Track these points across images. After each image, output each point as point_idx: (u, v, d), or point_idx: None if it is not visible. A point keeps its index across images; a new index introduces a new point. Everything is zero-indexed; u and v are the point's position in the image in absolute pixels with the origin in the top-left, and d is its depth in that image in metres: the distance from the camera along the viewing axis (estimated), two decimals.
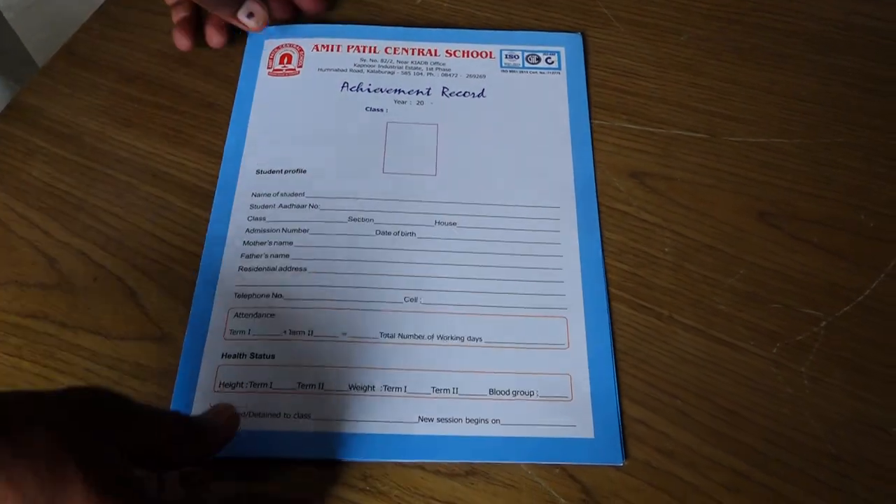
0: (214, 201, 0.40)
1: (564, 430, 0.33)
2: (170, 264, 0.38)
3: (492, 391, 0.34)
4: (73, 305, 0.37)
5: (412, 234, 0.38)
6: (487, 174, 0.40)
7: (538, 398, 0.34)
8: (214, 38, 0.45)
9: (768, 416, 0.33)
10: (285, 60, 0.44)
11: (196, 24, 0.45)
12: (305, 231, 0.38)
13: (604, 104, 0.43)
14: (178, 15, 0.45)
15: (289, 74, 0.44)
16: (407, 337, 0.35)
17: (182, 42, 0.45)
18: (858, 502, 0.31)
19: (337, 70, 0.44)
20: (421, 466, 0.33)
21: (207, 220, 0.39)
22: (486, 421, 0.33)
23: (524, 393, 0.34)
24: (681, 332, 0.36)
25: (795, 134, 0.42)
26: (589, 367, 0.34)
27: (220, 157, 0.41)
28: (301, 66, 0.44)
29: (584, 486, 0.32)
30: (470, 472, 0.33)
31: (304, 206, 0.39)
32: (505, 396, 0.34)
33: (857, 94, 0.43)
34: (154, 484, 0.29)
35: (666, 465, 0.33)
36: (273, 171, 0.40)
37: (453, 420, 0.33)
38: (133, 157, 0.42)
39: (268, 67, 0.44)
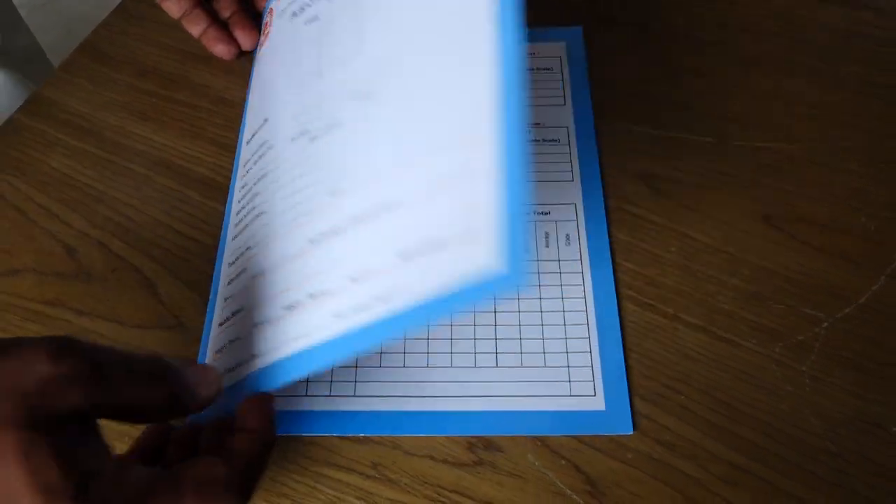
0: (229, 194, 0.40)
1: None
2: (186, 256, 0.39)
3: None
4: (91, 294, 0.38)
5: None
6: None
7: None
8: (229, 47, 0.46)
9: (769, 412, 0.34)
10: None
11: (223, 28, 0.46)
12: None
13: (612, 106, 0.44)
14: (198, 27, 0.45)
15: None
16: None
17: (223, 49, 0.45)
18: (858, 499, 0.32)
19: None
20: (430, 456, 0.34)
21: (223, 213, 0.40)
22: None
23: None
24: (685, 330, 0.36)
25: (799, 139, 0.43)
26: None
27: (234, 151, 0.42)
28: None
29: (588, 476, 0.33)
30: (477, 462, 0.34)
31: None
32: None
33: (858, 101, 0.44)
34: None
35: (667, 457, 0.33)
36: None
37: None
38: (150, 151, 0.43)
39: None
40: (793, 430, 0.34)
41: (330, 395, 0.35)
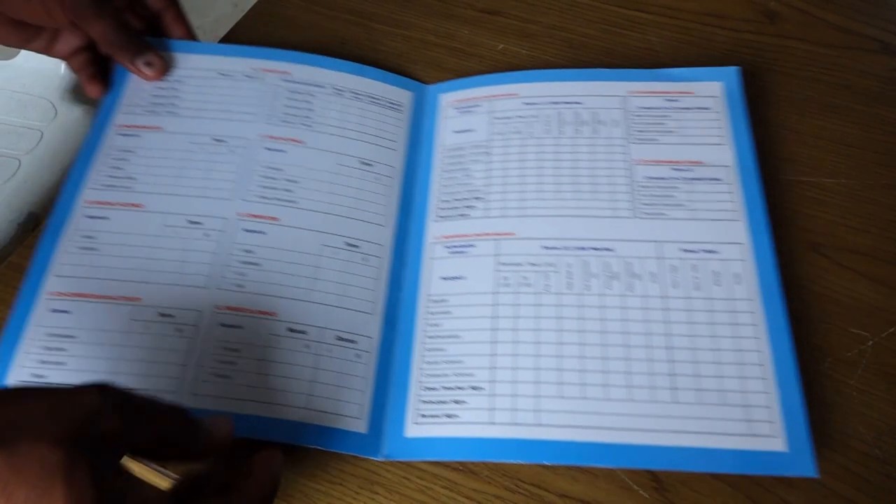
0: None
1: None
2: None
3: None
4: None
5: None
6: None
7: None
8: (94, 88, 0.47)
9: (820, 421, 0.37)
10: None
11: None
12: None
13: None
14: (79, 64, 0.47)
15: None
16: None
17: (94, 90, 0.47)
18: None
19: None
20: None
21: None
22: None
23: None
24: None
25: (842, 174, 0.46)
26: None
27: None
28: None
29: (654, 474, 0.36)
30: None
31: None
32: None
33: None
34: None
35: None
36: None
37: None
38: None
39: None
40: (842, 437, 0.37)
41: (515, 424, 0.36)
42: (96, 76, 0.47)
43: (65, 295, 0.39)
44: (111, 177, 0.43)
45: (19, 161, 0.56)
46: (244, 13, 0.58)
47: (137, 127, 0.45)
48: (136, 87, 0.47)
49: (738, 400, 0.36)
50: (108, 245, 0.41)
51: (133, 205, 0.42)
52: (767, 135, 0.48)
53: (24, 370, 0.37)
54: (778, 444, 0.35)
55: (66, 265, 0.40)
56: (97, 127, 0.46)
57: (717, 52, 0.53)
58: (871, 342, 0.40)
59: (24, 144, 0.57)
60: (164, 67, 0.47)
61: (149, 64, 0.46)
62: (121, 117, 0.46)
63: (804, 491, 0.36)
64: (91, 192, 0.43)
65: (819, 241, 0.43)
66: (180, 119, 0.46)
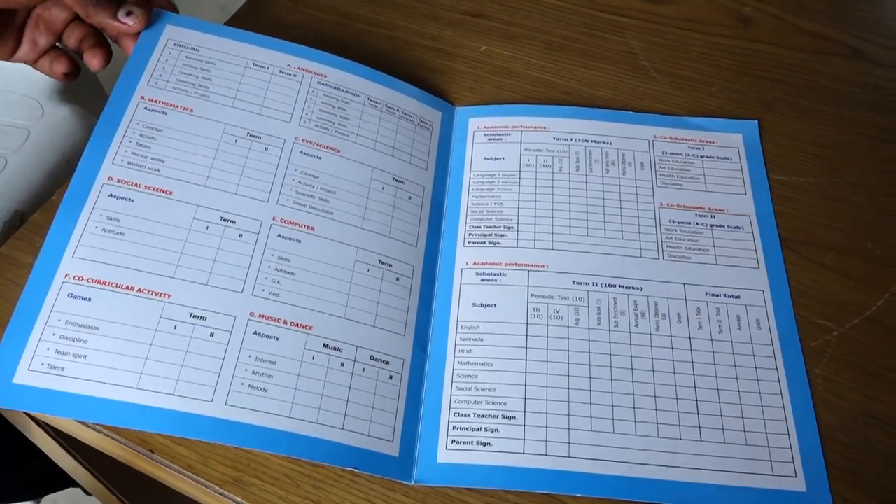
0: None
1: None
2: None
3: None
4: None
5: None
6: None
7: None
8: (95, 59, 0.44)
9: None
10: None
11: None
12: None
13: None
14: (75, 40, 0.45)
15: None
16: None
17: (97, 62, 0.44)
18: (864, 483, 0.37)
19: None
20: None
21: None
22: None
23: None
24: None
25: (811, 173, 0.49)
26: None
27: None
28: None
29: None
30: None
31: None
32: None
33: (865, 143, 0.50)
34: None
35: None
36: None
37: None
38: None
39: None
40: None
41: (546, 455, 0.37)
42: (95, 46, 0.44)
43: (85, 280, 0.37)
44: (136, 154, 0.41)
45: (6, 160, 0.55)
46: (231, 15, 0.57)
47: (165, 104, 0.43)
48: (163, 60, 0.44)
49: (760, 440, 0.38)
50: (134, 231, 0.38)
51: (161, 190, 0.40)
52: (758, 122, 0.50)
53: (39, 360, 0.35)
54: (797, 483, 0.37)
55: (87, 247, 0.38)
56: (120, 94, 0.43)
57: (693, 54, 0.55)
58: (836, 333, 0.42)
59: (11, 143, 0.55)
60: (146, 17, 0.44)
61: (129, 14, 0.43)
62: (147, 89, 0.43)
63: None
64: (115, 168, 0.40)
65: (788, 237, 0.46)
66: (211, 104, 0.44)
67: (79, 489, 0.84)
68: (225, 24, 0.54)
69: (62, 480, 0.78)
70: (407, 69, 0.53)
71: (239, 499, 0.36)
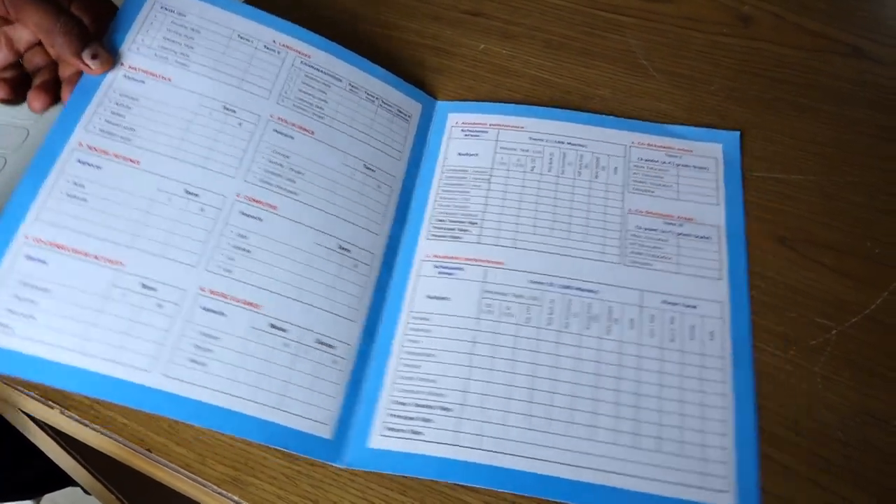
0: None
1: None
2: None
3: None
4: None
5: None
6: None
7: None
8: (37, 101, 0.42)
9: (785, 405, 0.39)
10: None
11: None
12: None
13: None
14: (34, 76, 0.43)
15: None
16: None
17: (39, 104, 0.42)
18: (863, 481, 0.37)
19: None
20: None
21: None
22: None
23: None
24: None
25: (810, 171, 0.48)
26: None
27: None
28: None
29: None
30: None
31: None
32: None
33: (864, 141, 0.49)
34: None
35: None
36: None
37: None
38: None
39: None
40: (807, 421, 0.39)
41: (477, 449, 0.37)
42: (46, 86, 0.42)
43: (43, 242, 0.37)
44: (110, 122, 0.41)
45: (5, 159, 0.55)
46: None
47: (145, 71, 0.43)
48: (149, 23, 0.44)
49: (695, 453, 0.37)
50: (97, 198, 0.39)
51: (129, 159, 0.41)
52: (743, 135, 0.50)
53: None
54: (727, 500, 0.36)
55: (49, 210, 0.38)
56: None
57: (692, 53, 0.55)
58: (835, 331, 0.41)
59: (11, 142, 0.56)
60: (110, 60, 0.42)
61: (94, 56, 0.41)
62: (129, 56, 0.43)
63: (772, 474, 0.37)
64: (86, 134, 0.40)
65: (786, 235, 0.45)
66: (191, 74, 0.44)
67: (78, 488, 0.85)
68: None
69: (61, 480, 0.79)
70: (406, 68, 0.53)
71: (237, 498, 0.37)
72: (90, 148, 0.40)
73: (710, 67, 0.54)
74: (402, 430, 0.38)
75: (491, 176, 0.47)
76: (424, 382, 0.39)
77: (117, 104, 0.42)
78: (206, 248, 0.40)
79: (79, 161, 0.40)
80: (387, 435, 0.38)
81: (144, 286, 0.38)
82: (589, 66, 0.54)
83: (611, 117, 0.50)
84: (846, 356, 0.41)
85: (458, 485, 0.37)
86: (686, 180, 0.47)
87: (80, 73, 0.42)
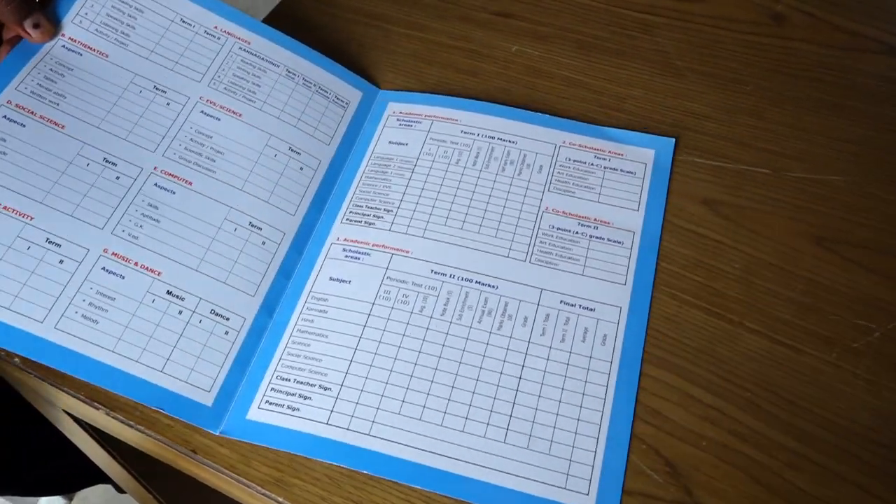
0: None
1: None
2: None
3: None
4: None
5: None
6: None
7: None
8: None
9: (827, 408, 0.38)
10: None
11: None
12: None
13: (680, 142, 0.49)
14: None
15: None
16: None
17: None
18: None
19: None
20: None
21: None
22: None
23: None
24: (748, 336, 0.41)
25: (846, 171, 0.47)
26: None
27: None
28: None
29: (668, 460, 0.37)
30: None
31: None
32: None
33: None
34: None
35: (738, 445, 0.38)
36: None
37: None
38: None
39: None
40: (848, 423, 0.38)
41: (347, 429, 0.38)
42: None
43: None
44: (41, 86, 0.43)
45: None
46: (264, 17, 0.58)
47: (83, 45, 0.45)
48: None
49: (563, 453, 0.37)
50: (17, 154, 0.40)
51: (54, 122, 0.42)
52: (779, 135, 0.49)
53: None
54: (587, 502, 0.36)
55: None
56: None
57: (725, 52, 0.54)
58: (877, 333, 0.41)
59: None
60: (52, 31, 0.44)
61: (36, 25, 0.43)
62: (70, 27, 0.45)
63: (812, 474, 0.37)
64: (16, 93, 0.42)
65: (824, 235, 0.45)
66: (128, 54, 0.46)
67: (110, 486, 0.86)
68: None
69: (94, 476, 0.80)
70: (438, 70, 0.54)
71: (281, 499, 0.37)
72: (17, 106, 0.42)
73: (744, 67, 0.53)
74: (280, 405, 0.39)
75: (415, 166, 0.47)
76: (310, 361, 0.40)
77: (52, 70, 0.44)
78: (115, 213, 0.41)
79: (4, 117, 0.42)
80: (265, 408, 0.39)
81: (49, 241, 0.39)
82: (621, 67, 0.54)
83: (547, 116, 0.50)
84: (890, 359, 0.40)
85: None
86: (610, 183, 0.47)
87: (20, 37, 0.44)
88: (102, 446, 0.51)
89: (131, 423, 0.39)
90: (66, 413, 0.46)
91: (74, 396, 0.40)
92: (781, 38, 0.55)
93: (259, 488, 0.37)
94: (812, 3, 0.57)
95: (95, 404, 0.39)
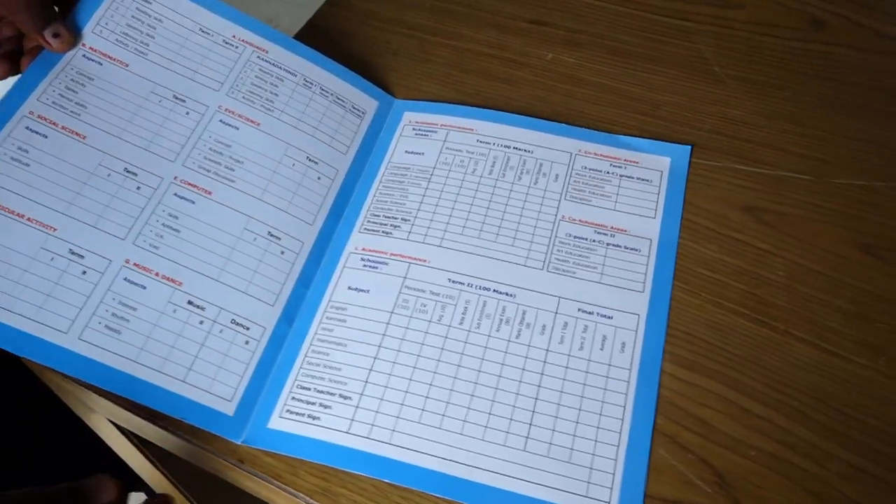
0: None
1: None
2: None
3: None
4: None
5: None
6: None
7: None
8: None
9: (878, 417, 0.38)
10: None
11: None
12: None
13: (719, 148, 0.49)
14: None
15: None
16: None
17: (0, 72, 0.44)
18: None
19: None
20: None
21: None
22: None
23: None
24: (795, 344, 0.41)
25: (892, 177, 0.47)
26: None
27: None
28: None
29: (716, 470, 0.37)
30: None
31: None
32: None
33: None
34: None
35: (788, 455, 0.37)
36: None
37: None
38: None
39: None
40: None
41: (368, 438, 0.38)
42: (6, 56, 0.44)
43: None
44: (62, 97, 0.43)
45: None
46: (299, 28, 0.58)
47: (103, 55, 0.45)
48: (114, 8, 0.46)
49: (584, 461, 0.37)
50: (40, 165, 0.41)
51: (76, 133, 0.43)
52: (821, 141, 0.49)
53: None
54: None
55: None
56: None
57: (764, 58, 0.54)
58: None
59: None
60: (72, 40, 0.44)
61: (56, 35, 0.43)
62: (90, 37, 0.45)
63: (866, 486, 0.36)
64: (38, 104, 0.42)
65: (870, 242, 0.44)
66: (148, 63, 0.46)
67: (143, 494, 0.86)
68: (294, 36, 0.54)
69: (128, 485, 0.81)
70: (474, 78, 0.54)
71: None
72: (40, 117, 0.42)
73: (783, 73, 0.53)
74: (301, 414, 0.39)
75: (432, 175, 0.48)
76: (330, 370, 0.40)
77: (73, 80, 0.44)
78: (136, 224, 0.42)
79: (27, 128, 0.42)
80: (286, 417, 0.39)
81: (72, 252, 0.40)
82: (657, 74, 0.54)
83: (564, 125, 0.50)
84: None
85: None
86: (627, 191, 0.47)
87: (41, 48, 0.44)
88: (143, 453, 0.52)
89: (179, 432, 0.39)
90: (110, 421, 0.46)
91: (118, 406, 0.40)
92: (821, 43, 0.55)
93: (307, 498, 0.37)
94: (852, 7, 0.57)
95: (141, 414, 0.40)
